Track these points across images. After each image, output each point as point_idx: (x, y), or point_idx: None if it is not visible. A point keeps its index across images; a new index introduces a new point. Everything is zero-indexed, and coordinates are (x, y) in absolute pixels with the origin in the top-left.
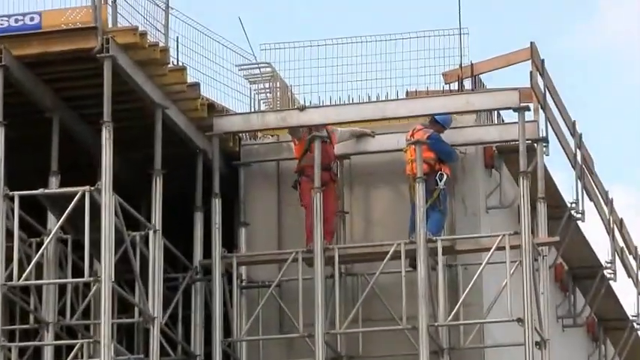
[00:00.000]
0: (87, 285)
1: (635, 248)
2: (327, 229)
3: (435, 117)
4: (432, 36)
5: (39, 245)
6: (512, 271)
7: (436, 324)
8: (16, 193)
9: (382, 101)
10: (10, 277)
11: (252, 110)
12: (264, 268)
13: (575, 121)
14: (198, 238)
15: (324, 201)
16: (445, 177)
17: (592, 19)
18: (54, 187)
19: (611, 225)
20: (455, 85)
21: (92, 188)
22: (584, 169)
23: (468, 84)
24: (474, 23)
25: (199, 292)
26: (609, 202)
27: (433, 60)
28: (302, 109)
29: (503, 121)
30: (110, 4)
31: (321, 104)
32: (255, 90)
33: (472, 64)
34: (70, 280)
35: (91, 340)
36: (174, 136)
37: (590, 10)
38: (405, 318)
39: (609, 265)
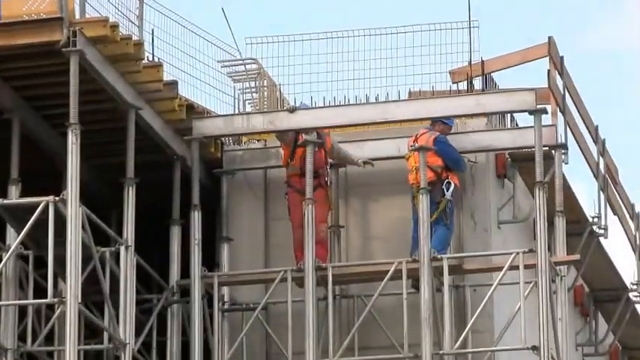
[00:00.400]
0: (50, 307)
1: None
2: (315, 239)
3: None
4: (437, 29)
5: None
6: (526, 294)
7: (441, 352)
8: None
9: (382, 102)
10: None
11: (236, 112)
12: (248, 288)
13: (597, 125)
14: (175, 255)
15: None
16: (453, 187)
17: (619, 13)
18: (13, 197)
19: (638, 242)
20: (463, 85)
21: (57, 199)
22: (607, 179)
23: (477, 83)
24: (485, 15)
25: (176, 315)
26: (635, 217)
27: (439, 56)
28: (292, 110)
29: (517, 125)
30: None
31: (313, 105)
32: (239, 89)
33: (483, 61)
34: (31, 301)
35: None
36: (149, 140)
37: (617, 3)
38: (406, 345)
39: (635, 287)
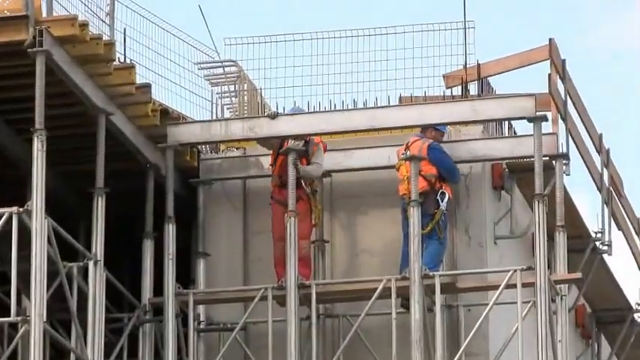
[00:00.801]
0: (13, 326)
1: None
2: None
3: None
4: (430, 30)
5: None
6: (524, 314)
7: None
8: None
9: (371, 108)
10: None
11: (214, 118)
12: (226, 307)
13: (601, 134)
14: (148, 270)
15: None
16: (447, 197)
17: (624, 14)
18: None
19: None
20: (458, 90)
21: (21, 209)
22: (611, 191)
23: (473, 88)
24: (481, 16)
25: (148, 335)
26: None
27: (432, 59)
28: (274, 116)
29: (515, 133)
30: None
31: (296, 111)
32: (217, 93)
33: (479, 65)
34: None
35: None
36: (120, 147)
37: (625, 3)
38: None
39: None
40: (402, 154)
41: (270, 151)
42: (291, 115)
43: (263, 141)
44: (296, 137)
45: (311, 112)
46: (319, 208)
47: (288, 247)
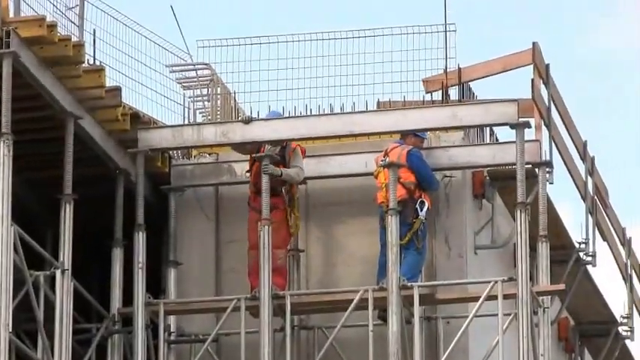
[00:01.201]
0: None
1: None
2: (271, 266)
3: None
4: (410, 33)
5: None
6: (505, 327)
7: None
8: None
9: (348, 113)
10: None
11: (186, 122)
12: (198, 318)
13: (586, 141)
14: (117, 280)
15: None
16: (426, 207)
17: (611, 19)
18: None
19: (629, 271)
20: (438, 95)
21: None
22: (596, 201)
23: (454, 93)
24: (462, 19)
25: (117, 346)
26: (627, 243)
27: (411, 63)
28: (248, 121)
29: (497, 140)
30: None
31: (274, 116)
32: (190, 97)
33: (459, 69)
34: None
35: None
36: (89, 152)
37: (612, 7)
38: None
39: (625, 320)
40: (381, 160)
41: (247, 157)
42: (266, 120)
43: (238, 146)
44: (273, 143)
45: (286, 117)
46: (298, 216)
47: (261, 256)
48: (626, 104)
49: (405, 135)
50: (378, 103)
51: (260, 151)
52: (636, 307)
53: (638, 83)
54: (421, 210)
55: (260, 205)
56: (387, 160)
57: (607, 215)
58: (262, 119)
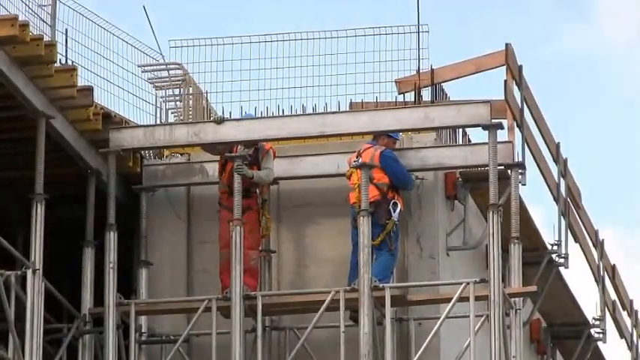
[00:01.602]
0: None
1: (631, 302)
2: (243, 267)
3: None
4: (382, 34)
5: None
6: (477, 328)
7: None
8: None
9: (320, 114)
10: None
11: (158, 122)
12: (169, 318)
13: (559, 143)
14: (88, 280)
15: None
16: (399, 208)
17: (584, 22)
18: None
19: (601, 273)
20: (410, 96)
21: None
22: (569, 203)
23: (426, 94)
24: (435, 20)
25: (88, 347)
26: (599, 245)
27: (384, 64)
28: (220, 121)
29: (469, 141)
30: None
31: (243, 116)
32: (162, 97)
33: (432, 70)
34: None
35: None
36: (61, 152)
37: (583, 11)
38: None
39: (598, 322)
40: (354, 161)
41: (217, 157)
42: (238, 120)
43: (209, 147)
44: (245, 144)
45: (258, 118)
46: (269, 218)
47: (233, 256)
48: (598, 106)
49: (377, 136)
50: (351, 103)
51: (232, 152)
52: (608, 309)
53: (612, 85)
54: (394, 211)
55: (232, 205)
56: (360, 160)
57: (579, 217)
58: (234, 119)
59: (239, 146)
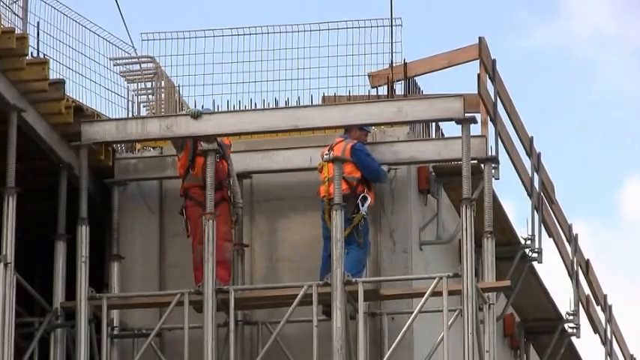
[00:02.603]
0: None
1: (605, 297)
2: (216, 259)
3: None
4: (355, 27)
5: None
6: (450, 323)
7: None
8: None
9: (292, 107)
10: None
11: (130, 116)
12: (141, 312)
13: (532, 137)
14: (60, 274)
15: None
16: (368, 202)
17: (554, 16)
18: None
19: (575, 268)
20: (383, 90)
21: None
22: (542, 197)
23: (399, 88)
24: (408, 13)
25: (60, 341)
26: (573, 240)
27: (357, 57)
28: (196, 116)
29: (442, 135)
30: None
31: (215, 110)
32: (134, 90)
33: (405, 64)
34: None
35: None
36: (32, 145)
37: (553, 5)
38: None
39: (571, 317)
40: (325, 154)
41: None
42: (210, 113)
43: (174, 141)
44: (206, 139)
45: (230, 112)
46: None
47: (205, 250)
48: (572, 102)
49: (349, 129)
50: (324, 97)
51: (196, 146)
52: (582, 304)
53: (582, 82)
54: (362, 205)
55: (204, 199)
56: (332, 154)
57: (553, 212)
58: (206, 113)
59: (201, 141)
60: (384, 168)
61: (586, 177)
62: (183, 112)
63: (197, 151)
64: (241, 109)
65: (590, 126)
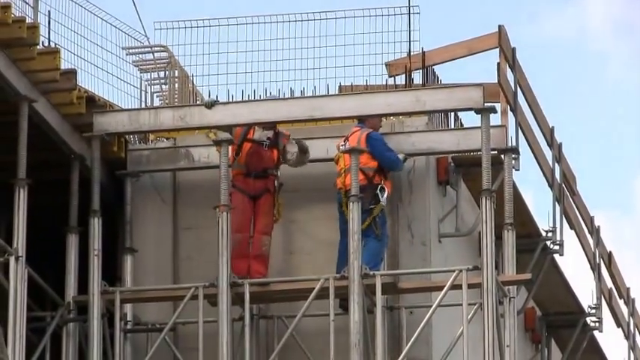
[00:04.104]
0: None
1: (627, 290)
2: (253, 253)
3: None
4: (372, 15)
5: None
6: (470, 317)
7: None
8: None
9: (308, 97)
10: None
11: (143, 106)
12: (155, 306)
13: (553, 127)
14: (72, 267)
15: (254, 216)
16: (387, 192)
17: (568, 5)
18: None
19: (597, 260)
20: (401, 79)
21: None
22: (564, 188)
23: (417, 77)
24: (426, 1)
25: (72, 335)
26: (595, 232)
27: (374, 46)
28: (210, 106)
29: (461, 125)
30: None
31: (230, 100)
32: (147, 80)
33: (423, 53)
34: None
35: None
36: (44, 137)
37: None
38: None
39: (593, 310)
40: (341, 145)
41: (204, 142)
42: (224, 104)
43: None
44: (264, 126)
45: (245, 101)
46: (280, 203)
47: (220, 243)
48: (595, 92)
49: (364, 118)
50: (340, 87)
51: (248, 133)
52: (604, 297)
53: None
54: (382, 196)
55: (250, 188)
56: (348, 145)
57: (575, 203)
58: (222, 103)
59: (256, 127)
60: (400, 156)
61: (607, 167)
62: (198, 103)
63: (247, 137)
64: (257, 98)
65: (612, 115)
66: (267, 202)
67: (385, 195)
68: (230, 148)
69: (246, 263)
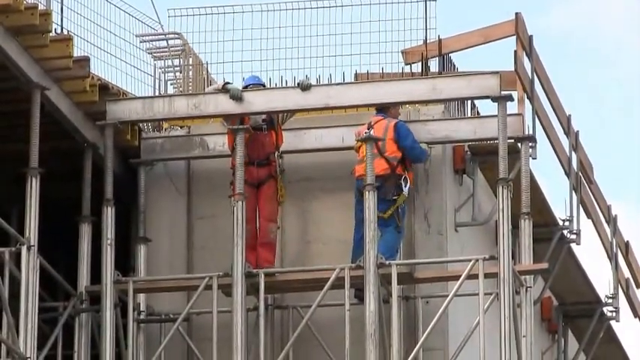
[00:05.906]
0: None
1: None
2: (260, 241)
3: None
4: (388, 3)
5: None
6: (486, 307)
7: None
8: None
9: (324, 85)
10: None
11: (157, 94)
12: (168, 296)
13: (570, 115)
14: (85, 257)
15: (258, 204)
16: (409, 184)
17: None
18: None
19: (614, 250)
20: (417, 67)
21: None
22: (581, 177)
23: (434, 65)
24: None
25: (85, 326)
26: (612, 221)
27: (390, 34)
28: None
29: (478, 113)
30: None
31: (245, 87)
32: (160, 68)
33: (440, 40)
34: None
35: None
36: (56, 125)
37: None
38: None
39: (610, 300)
40: (365, 132)
41: (218, 130)
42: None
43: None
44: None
45: (261, 89)
46: (282, 185)
47: (235, 232)
48: (613, 81)
49: (384, 107)
50: (356, 74)
51: (243, 122)
52: (622, 286)
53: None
54: (405, 186)
55: (254, 178)
56: (371, 132)
57: (592, 192)
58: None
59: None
60: (424, 147)
61: (625, 156)
62: (212, 90)
63: (231, 128)
64: (272, 87)
65: (629, 104)
66: (270, 189)
67: (408, 186)
68: (228, 136)
69: (254, 255)
